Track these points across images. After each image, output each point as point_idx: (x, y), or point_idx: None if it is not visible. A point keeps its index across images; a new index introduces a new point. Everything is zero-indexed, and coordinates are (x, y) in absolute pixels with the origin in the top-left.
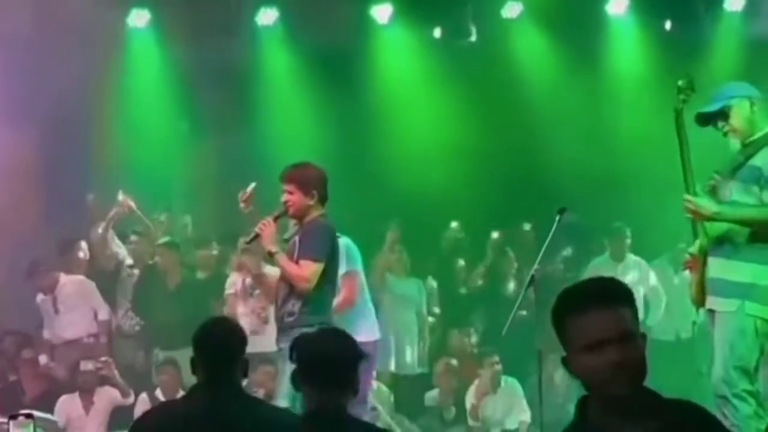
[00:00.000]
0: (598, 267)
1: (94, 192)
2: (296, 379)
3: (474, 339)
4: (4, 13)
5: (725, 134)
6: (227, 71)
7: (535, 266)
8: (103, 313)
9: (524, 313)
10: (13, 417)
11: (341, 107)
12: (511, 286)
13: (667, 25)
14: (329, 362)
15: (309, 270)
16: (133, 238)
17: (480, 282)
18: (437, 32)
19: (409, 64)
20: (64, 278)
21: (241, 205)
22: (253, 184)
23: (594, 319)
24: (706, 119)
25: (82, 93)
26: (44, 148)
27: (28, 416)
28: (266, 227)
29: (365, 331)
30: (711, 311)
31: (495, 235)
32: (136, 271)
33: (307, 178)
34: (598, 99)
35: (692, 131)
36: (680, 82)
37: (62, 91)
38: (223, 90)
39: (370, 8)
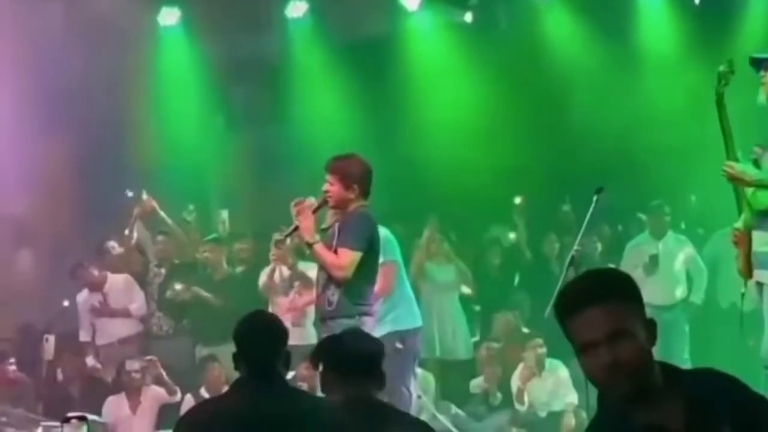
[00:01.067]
0: (638, 245)
1: (131, 191)
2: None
3: (519, 322)
4: (35, 15)
5: (761, 84)
6: (259, 65)
7: (575, 246)
8: (141, 309)
9: None
10: (66, 420)
11: (373, 96)
12: (554, 267)
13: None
14: (355, 357)
15: (347, 259)
16: (159, 237)
17: (528, 254)
18: (468, 17)
19: (440, 50)
20: (111, 277)
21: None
22: (311, 198)
23: (583, 319)
24: (757, 63)
25: (115, 92)
26: (79, 147)
27: (81, 418)
28: (305, 219)
29: (406, 320)
30: (759, 284)
31: (518, 200)
32: (162, 271)
33: (349, 172)
34: (630, 77)
35: (734, 106)
36: (721, 68)
37: (95, 91)
38: (256, 84)
39: None
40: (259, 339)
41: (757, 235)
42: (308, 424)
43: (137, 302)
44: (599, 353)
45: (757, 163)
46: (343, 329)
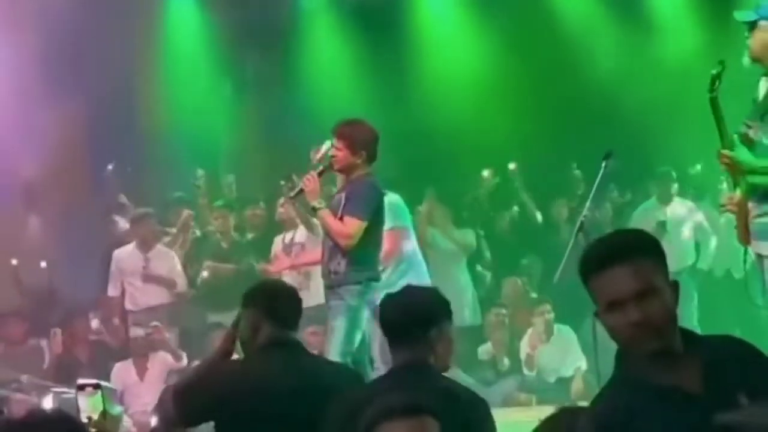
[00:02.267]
0: (646, 211)
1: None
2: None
3: (528, 287)
4: None
5: (746, 47)
6: (268, 30)
7: (584, 212)
8: (182, 284)
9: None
10: (81, 387)
11: (382, 62)
12: (564, 232)
13: None
14: (399, 324)
15: (352, 227)
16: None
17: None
18: None
19: (449, 16)
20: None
21: (315, 161)
22: (328, 143)
23: (611, 277)
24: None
25: (124, 57)
26: (88, 112)
27: (96, 386)
28: (310, 182)
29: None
30: (759, 256)
31: (512, 166)
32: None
33: (356, 136)
34: (642, 41)
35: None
36: (713, 72)
37: (104, 56)
38: (265, 49)
39: None
40: (285, 306)
41: (753, 206)
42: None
43: (181, 278)
44: (627, 310)
45: (747, 138)
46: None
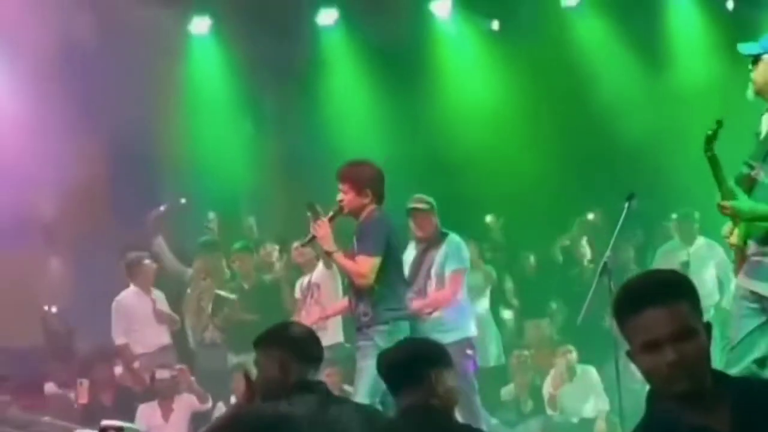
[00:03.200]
0: (669, 252)
1: (162, 199)
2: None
3: (551, 329)
4: (69, 27)
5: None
6: (289, 73)
7: (607, 253)
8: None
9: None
10: (103, 429)
11: (404, 103)
12: (587, 274)
13: (729, 4)
14: (399, 369)
15: (365, 265)
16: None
17: (560, 257)
18: (496, 25)
19: (469, 58)
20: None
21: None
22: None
23: (648, 318)
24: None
25: (146, 100)
26: (110, 153)
27: (119, 429)
28: (321, 228)
29: (472, 328)
30: (751, 292)
31: (591, 216)
32: (206, 283)
33: (360, 177)
34: (660, 83)
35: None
36: (709, 132)
37: (127, 99)
38: (286, 91)
39: (429, 4)
40: (310, 348)
41: (753, 245)
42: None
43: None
44: (663, 352)
45: (749, 180)
46: (380, 336)
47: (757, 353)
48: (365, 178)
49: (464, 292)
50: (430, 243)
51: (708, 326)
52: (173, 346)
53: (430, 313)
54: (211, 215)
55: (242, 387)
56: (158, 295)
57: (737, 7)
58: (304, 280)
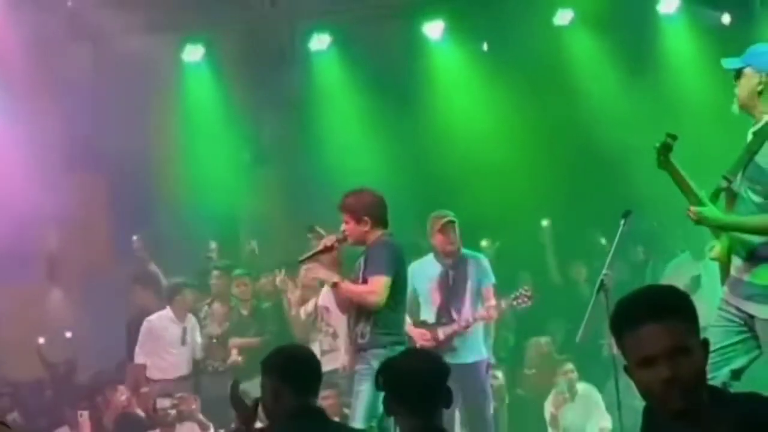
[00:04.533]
0: (680, 266)
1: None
2: (389, 406)
3: (550, 347)
4: (67, 62)
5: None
6: (284, 98)
7: (604, 271)
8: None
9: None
10: None
11: (399, 126)
12: (585, 292)
13: (725, 19)
14: (422, 385)
15: (377, 284)
16: (215, 273)
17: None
18: (488, 46)
19: (463, 79)
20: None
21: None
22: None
23: (643, 334)
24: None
25: (141, 129)
26: (108, 185)
27: None
28: (319, 269)
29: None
30: (747, 313)
31: (545, 223)
32: (217, 307)
33: (357, 206)
34: (653, 99)
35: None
36: (657, 145)
37: (124, 131)
38: (281, 117)
39: (422, 26)
40: (308, 373)
41: (735, 260)
42: None
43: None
44: (658, 368)
45: (727, 192)
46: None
47: (733, 366)
48: (362, 207)
49: None
50: (456, 259)
51: (705, 343)
52: (191, 378)
53: (466, 328)
54: (213, 245)
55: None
56: (192, 323)
57: (734, 21)
58: (308, 305)
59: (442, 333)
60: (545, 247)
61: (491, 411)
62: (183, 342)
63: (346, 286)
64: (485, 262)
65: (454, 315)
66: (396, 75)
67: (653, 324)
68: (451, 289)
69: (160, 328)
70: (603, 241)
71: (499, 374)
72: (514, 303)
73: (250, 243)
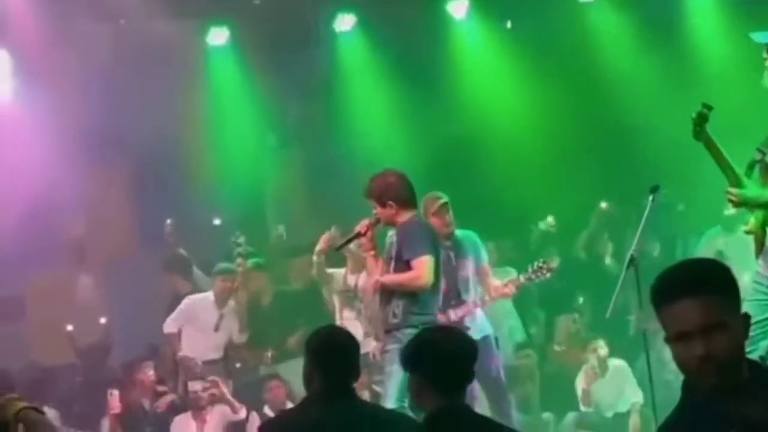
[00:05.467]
0: (710, 239)
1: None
2: (417, 385)
3: (580, 324)
4: (86, 41)
5: (765, 68)
6: (309, 80)
7: (633, 247)
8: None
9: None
10: None
11: (424, 106)
12: (610, 265)
13: None
14: (455, 364)
15: (422, 267)
16: (239, 260)
17: (582, 254)
18: (513, 24)
19: (488, 57)
20: None
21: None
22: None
23: (679, 310)
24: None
25: (168, 115)
26: (134, 170)
27: None
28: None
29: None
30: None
31: (603, 205)
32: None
33: (380, 191)
34: (680, 73)
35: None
36: (693, 116)
37: (149, 117)
38: (307, 99)
39: (446, 5)
40: (339, 354)
41: None
42: None
43: (243, 336)
44: (692, 344)
45: (764, 165)
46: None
47: None
48: (384, 190)
49: None
50: (453, 240)
51: (746, 318)
52: (221, 362)
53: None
54: (237, 232)
55: (277, 394)
56: (231, 309)
57: None
58: (348, 278)
59: (453, 314)
60: (594, 227)
61: (509, 396)
62: (216, 328)
63: (391, 278)
64: (479, 240)
65: (463, 296)
66: (420, 54)
67: (688, 299)
68: (454, 271)
69: (199, 309)
70: (603, 205)
71: (531, 352)
72: (533, 276)
73: (278, 228)
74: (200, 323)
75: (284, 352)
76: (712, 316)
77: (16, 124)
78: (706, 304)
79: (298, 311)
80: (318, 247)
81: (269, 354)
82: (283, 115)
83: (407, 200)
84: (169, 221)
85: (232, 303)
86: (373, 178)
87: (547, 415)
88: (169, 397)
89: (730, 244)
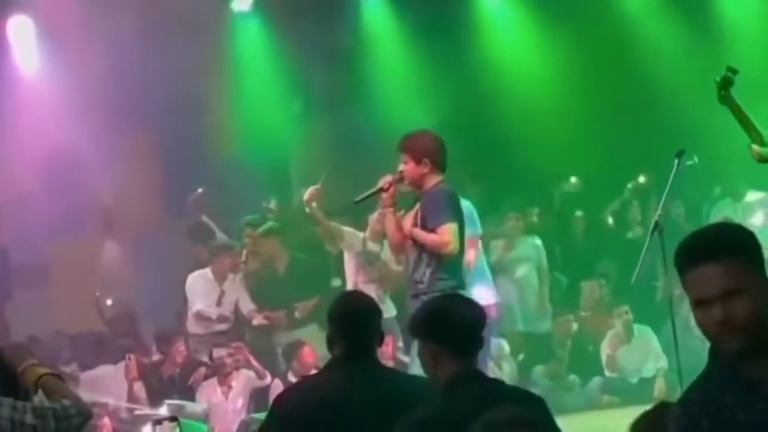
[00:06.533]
0: (722, 208)
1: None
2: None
3: (605, 290)
4: (110, 10)
5: None
6: (334, 48)
7: (659, 212)
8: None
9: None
10: (158, 422)
11: (448, 74)
12: (638, 233)
13: None
14: (468, 330)
15: (448, 233)
16: (248, 231)
17: (610, 220)
18: None
19: (515, 28)
20: None
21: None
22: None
23: (700, 275)
24: None
25: (192, 81)
26: (159, 138)
27: (173, 419)
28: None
29: (484, 295)
30: None
31: (642, 179)
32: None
33: (418, 147)
34: (710, 42)
35: None
36: (717, 79)
37: (173, 83)
38: (332, 66)
39: None
40: (358, 320)
41: None
42: (409, 405)
43: (248, 306)
44: (712, 310)
45: None
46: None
47: None
48: (423, 148)
49: (479, 258)
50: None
51: None
52: (231, 330)
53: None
54: (273, 203)
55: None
56: (233, 286)
57: None
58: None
59: None
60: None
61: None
62: (218, 303)
63: (418, 233)
64: (474, 211)
65: (464, 265)
66: (446, 20)
67: (708, 264)
68: None
69: (198, 286)
70: (642, 179)
71: (572, 317)
72: None
73: (301, 191)
74: (201, 301)
75: (300, 317)
76: (732, 282)
77: (41, 93)
78: (725, 269)
79: (315, 278)
80: (305, 197)
81: (284, 319)
82: (307, 81)
83: (440, 163)
84: (200, 190)
85: (231, 276)
86: (412, 133)
87: (573, 378)
88: (203, 370)
89: (739, 210)
